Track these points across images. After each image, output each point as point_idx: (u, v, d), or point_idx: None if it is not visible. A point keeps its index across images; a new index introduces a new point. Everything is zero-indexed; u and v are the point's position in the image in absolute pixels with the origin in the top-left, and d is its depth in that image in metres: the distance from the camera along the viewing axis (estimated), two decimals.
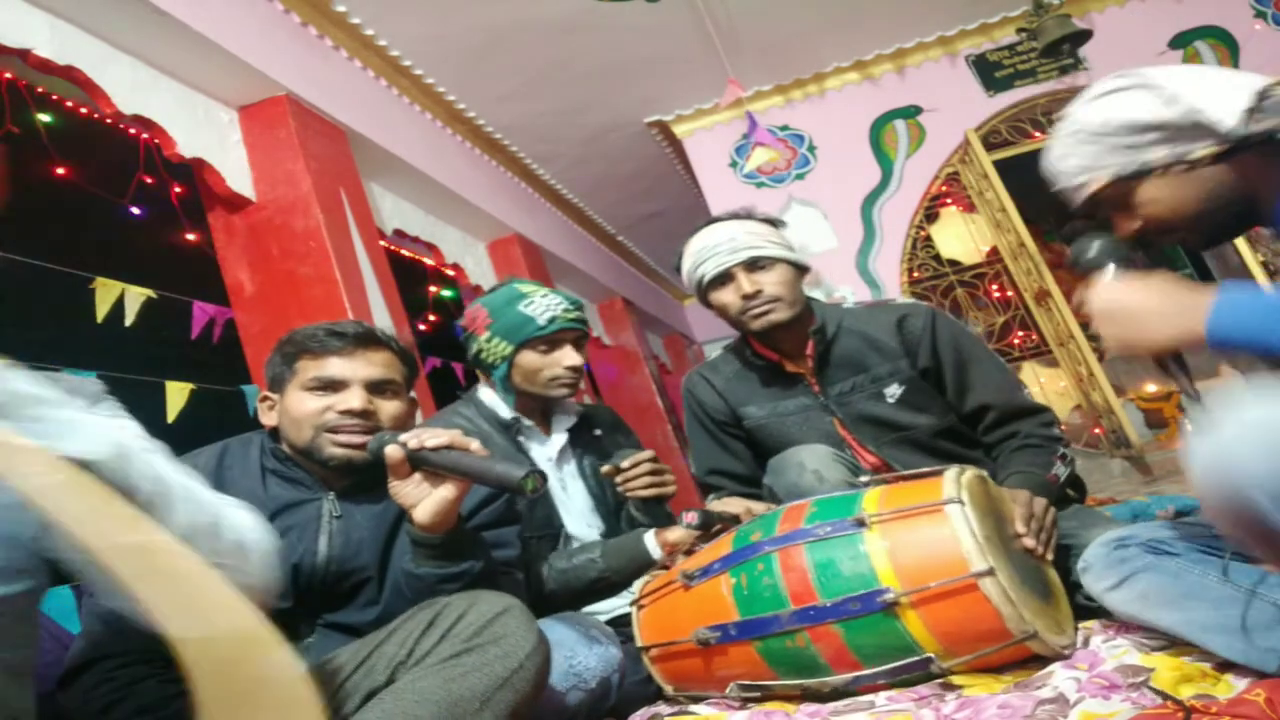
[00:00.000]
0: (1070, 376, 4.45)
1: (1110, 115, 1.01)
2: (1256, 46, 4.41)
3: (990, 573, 1.09)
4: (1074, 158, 1.06)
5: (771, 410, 1.73)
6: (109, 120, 2.39)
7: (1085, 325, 4.34)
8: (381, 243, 3.01)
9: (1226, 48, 4.48)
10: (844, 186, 4.57)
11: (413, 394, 1.37)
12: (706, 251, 1.67)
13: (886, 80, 4.70)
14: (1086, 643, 1.19)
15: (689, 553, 1.43)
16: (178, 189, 2.60)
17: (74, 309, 2.11)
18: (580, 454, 1.78)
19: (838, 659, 1.17)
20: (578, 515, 1.73)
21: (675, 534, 1.50)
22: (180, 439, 1.07)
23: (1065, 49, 3.99)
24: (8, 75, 2.28)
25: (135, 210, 2.51)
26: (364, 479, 1.24)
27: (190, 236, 2.68)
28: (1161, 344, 0.92)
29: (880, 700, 1.14)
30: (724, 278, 1.66)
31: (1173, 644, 1.09)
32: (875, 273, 4.48)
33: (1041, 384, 4.72)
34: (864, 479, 1.35)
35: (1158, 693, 0.96)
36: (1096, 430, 4.35)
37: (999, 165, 4.36)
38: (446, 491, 1.07)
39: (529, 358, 1.67)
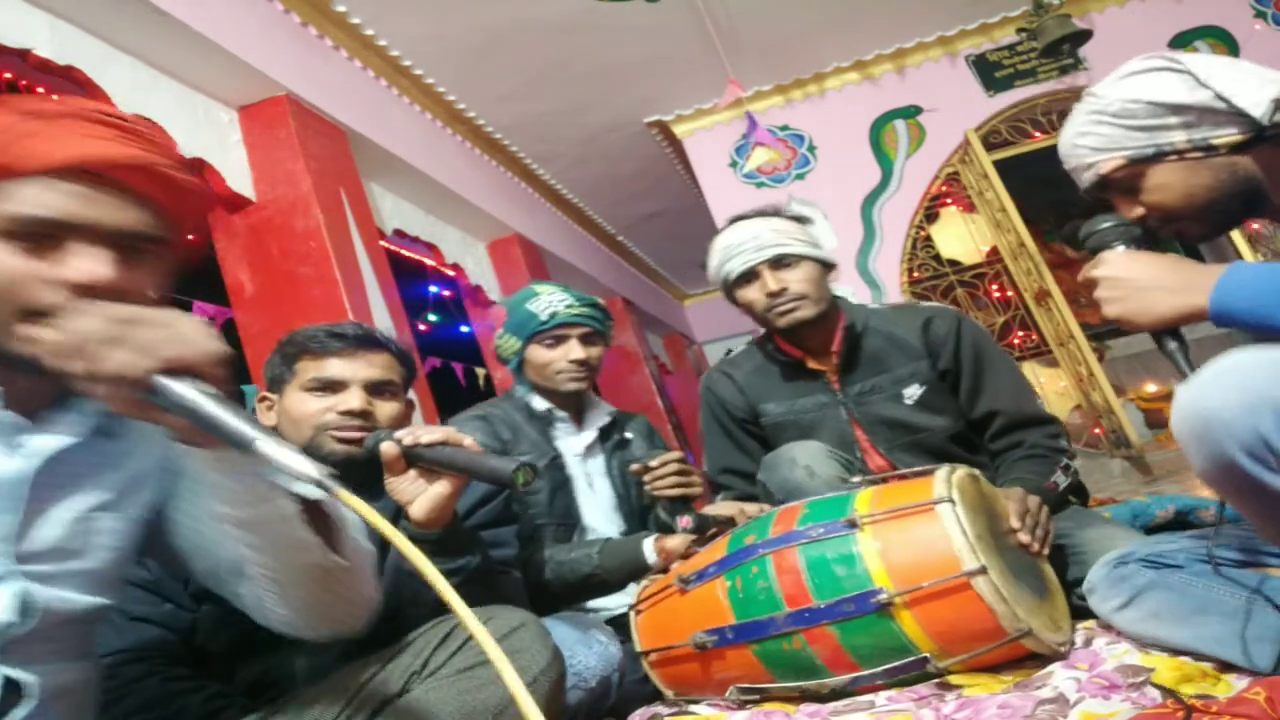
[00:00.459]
0: (1070, 376, 4.45)
1: (1136, 93, 1.01)
2: (1256, 46, 4.41)
3: (982, 571, 1.09)
4: (1091, 136, 1.06)
5: (790, 407, 1.74)
6: None
7: (1085, 326, 4.35)
8: (381, 243, 3.01)
9: (1226, 48, 4.47)
10: (844, 186, 4.57)
11: (410, 395, 1.37)
12: (732, 249, 1.69)
13: (886, 80, 4.69)
14: (1088, 643, 1.19)
15: (685, 557, 1.43)
16: None
17: None
18: (610, 454, 1.85)
19: (834, 660, 1.17)
20: (601, 512, 1.78)
21: (673, 541, 1.50)
22: None
23: (1065, 49, 3.99)
24: (8, 75, 2.28)
25: None
26: (361, 477, 1.24)
27: (190, 236, 2.68)
28: (1163, 316, 0.91)
29: (880, 700, 1.14)
30: (749, 275, 1.68)
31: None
32: (875, 273, 4.48)
33: (1041, 384, 4.72)
34: (856, 479, 1.35)
35: (1160, 689, 0.96)
36: (1096, 430, 4.35)
37: (999, 165, 4.36)
38: (441, 487, 1.08)
39: (536, 352, 1.76)
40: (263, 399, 1.32)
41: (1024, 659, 1.17)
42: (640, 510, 1.83)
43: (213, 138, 2.48)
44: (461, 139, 4.13)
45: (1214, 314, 0.86)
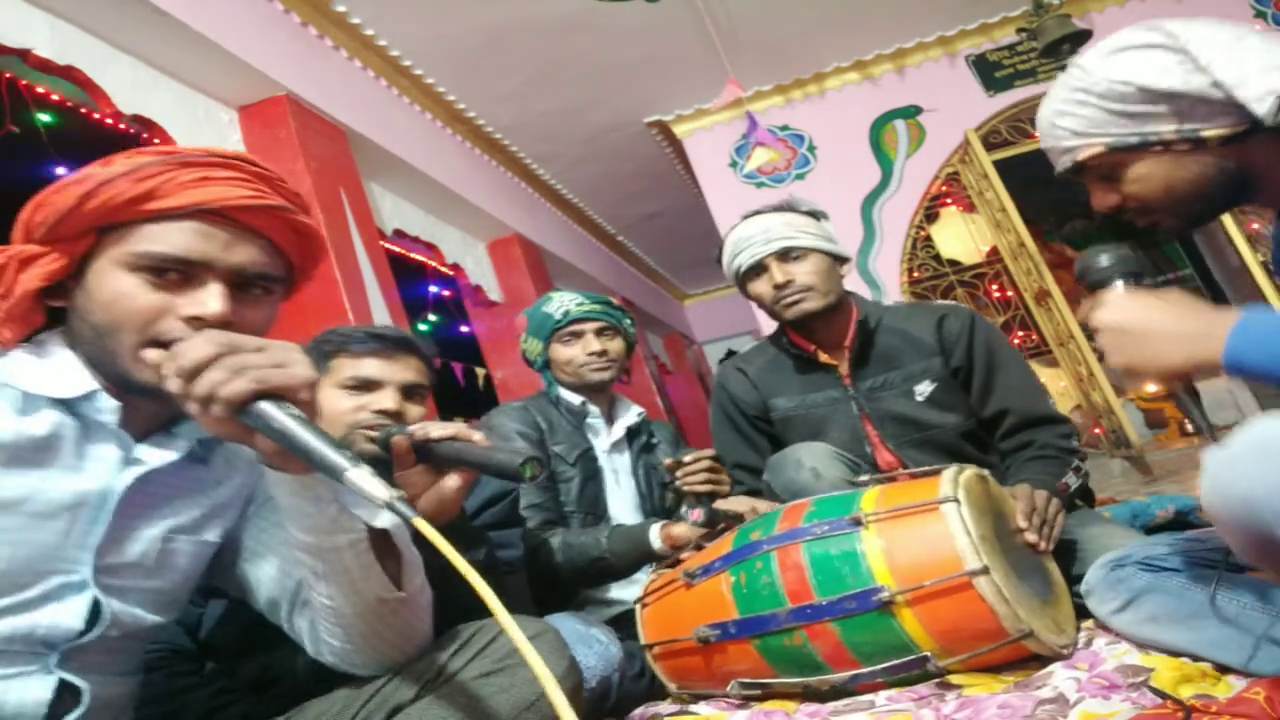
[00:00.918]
0: (1070, 376, 4.45)
1: (1126, 74, 0.91)
2: None
3: (984, 571, 1.09)
4: (1070, 117, 0.97)
5: (800, 401, 1.75)
6: (109, 120, 2.39)
7: (1086, 326, 4.34)
8: (381, 243, 3.01)
9: None
10: (844, 186, 4.57)
11: None
12: (743, 243, 1.71)
13: (886, 80, 4.70)
14: (1089, 643, 1.19)
15: (698, 548, 1.44)
16: None
17: None
18: (637, 455, 1.93)
19: (835, 657, 1.17)
20: (624, 508, 1.86)
21: (679, 529, 1.54)
22: None
23: (1065, 49, 3.98)
24: (8, 75, 2.28)
25: None
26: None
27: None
28: (1174, 367, 0.83)
29: (880, 700, 1.14)
30: (758, 268, 1.70)
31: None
32: (875, 273, 4.48)
33: (1042, 384, 4.72)
34: (864, 478, 1.36)
35: (1157, 693, 0.96)
36: (1096, 430, 4.35)
37: (999, 165, 4.36)
38: (450, 482, 1.08)
39: (558, 350, 1.88)
40: None
41: (1026, 660, 1.17)
42: (662, 511, 1.89)
43: (213, 138, 2.48)
44: (461, 139, 4.13)
45: (1228, 366, 0.80)
